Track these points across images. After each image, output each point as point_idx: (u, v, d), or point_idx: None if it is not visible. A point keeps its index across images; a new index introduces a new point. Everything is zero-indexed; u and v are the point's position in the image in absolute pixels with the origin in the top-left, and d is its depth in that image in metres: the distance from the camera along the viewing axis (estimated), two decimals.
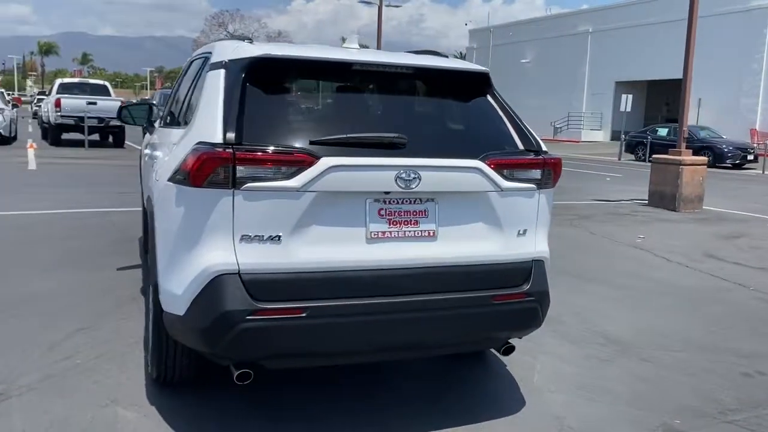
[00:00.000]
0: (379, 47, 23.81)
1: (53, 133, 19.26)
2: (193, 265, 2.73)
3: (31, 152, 16.07)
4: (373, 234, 2.86)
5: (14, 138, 20.46)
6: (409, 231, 2.93)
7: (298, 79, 3.21)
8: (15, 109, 21.75)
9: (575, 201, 12.13)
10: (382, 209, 2.88)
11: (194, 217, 2.74)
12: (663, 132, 26.24)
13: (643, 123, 37.21)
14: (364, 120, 3.11)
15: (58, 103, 18.64)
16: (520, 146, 3.18)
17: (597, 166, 23.68)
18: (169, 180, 2.91)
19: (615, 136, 35.04)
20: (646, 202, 11.99)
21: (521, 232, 3.17)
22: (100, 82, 22.05)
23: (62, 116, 18.60)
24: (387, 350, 3.05)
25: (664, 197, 11.58)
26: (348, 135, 2.83)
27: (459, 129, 3.32)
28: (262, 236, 2.72)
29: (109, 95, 20.20)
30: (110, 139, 19.99)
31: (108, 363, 3.75)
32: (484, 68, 3.36)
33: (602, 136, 41.71)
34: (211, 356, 2.89)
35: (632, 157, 27.29)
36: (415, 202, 2.93)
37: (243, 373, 2.83)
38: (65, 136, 19.60)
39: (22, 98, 43.19)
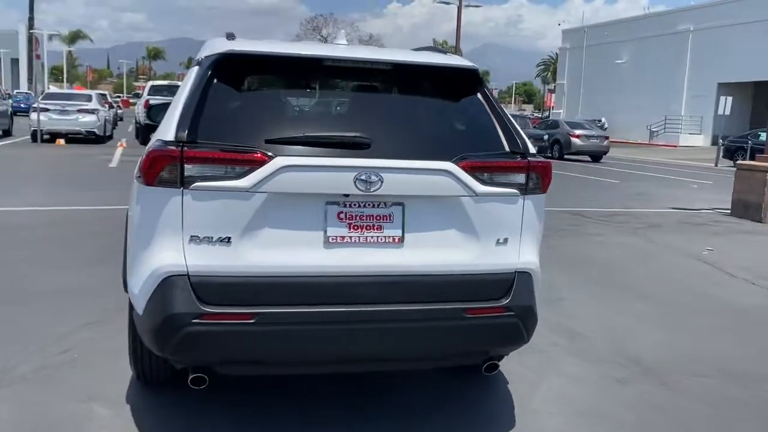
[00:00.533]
0: (457, 48, 23.42)
1: (142, 133, 20.16)
2: (147, 264, 2.69)
3: (119, 151, 16.94)
4: (331, 239, 2.72)
5: (109, 137, 21.69)
6: (372, 236, 2.76)
7: (263, 75, 3.11)
8: (114, 111, 23.03)
9: (649, 209, 11.45)
10: (342, 213, 2.73)
11: (148, 216, 2.70)
12: (764, 137, 24.39)
13: (749, 127, 34.76)
14: (331, 118, 2.97)
15: (146, 104, 19.56)
16: (507, 149, 2.94)
17: (688, 172, 22.35)
18: (135, 178, 2.89)
19: (716, 141, 33.05)
20: (729, 211, 11.13)
21: (501, 240, 2.93)
22: (178, 83, 22.93)
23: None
24: (346, 362, 2.90)
25: (749, 207, 10.71)
26: (306, 134, 2.71)
27: (436, 129, 3.09)
28: (212, 237, 2.63)
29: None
30: None
31: (104, 359, 3.79)
32: (470, 64, 3.13)
33: (702, 140, 39.38)
34: (165, 358, 2.84)
35: (730, 163, 25.54)
36: (378, 205, 2.76)
37: (197, 377, 2.76)
38: None
39: (130, 101, 45.65)
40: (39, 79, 27.51)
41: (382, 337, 2.78)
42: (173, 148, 2.60)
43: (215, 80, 2.82)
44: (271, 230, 2.68)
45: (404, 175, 2.73)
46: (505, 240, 2.93)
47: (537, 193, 2.98)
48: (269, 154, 2.61)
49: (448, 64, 3.12)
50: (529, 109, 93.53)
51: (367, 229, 2.76)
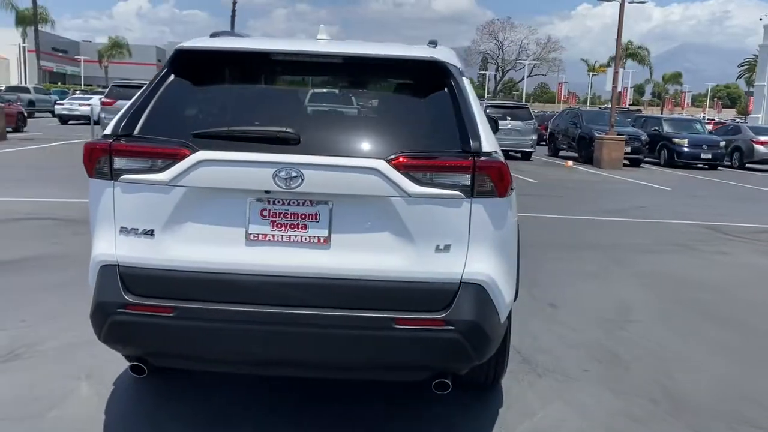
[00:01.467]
0: (617, 50, 21.95)
1: None
2: (92, 253, 2.80)
3: None
4: (253, 236, 2.64)
5: None
6: (296, 236, 2.64)
7: (213, 71, 3.07)
8: None
9: None
10: (265, 210, 2.64)
11: (92, 206, 2.80)
12: None
13: None
14: (270, 113, 2.87)
15: None
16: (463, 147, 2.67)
17: None
18: None
19: None
20: None
21: (442, 247, 2.66)
22: None
23: None
24: (266, 364, 2.80)
25: None
26: (230, 128, 2.66)
27: (381, 124, 2.88)
28: (137, 229, 2.68)
29: None
30: None
31: None
32: (428, 55, 2.87)
33: None
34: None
35: None
36: (303, 204, 2.64)
37: (135, 366, 2.82)
38: None
39: None
40: None
41: (303, 341, 2.64)
42: (104, 141, 2.68)
43: (171, 76, 2.87)
44: (193, 225, 2.66)
45: (329, 173, 2.58)
46: (447, 247, 2.66)
47: (490, 196, 2.67)
48: (193, 148, 2.60)
49: (402, 56, 2.91)
50: (730, 114, 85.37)
51: (291, 228, 2.64)
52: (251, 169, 2.58)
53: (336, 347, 2.66)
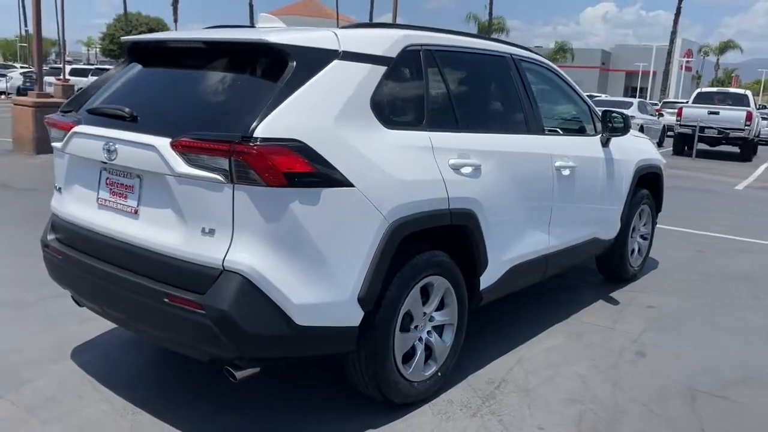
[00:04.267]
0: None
1: (675, 142, 19.33)
2: None
3: None
4: (100, 201, 3.06)
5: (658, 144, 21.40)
6: (121, 204, 2.95)
7: (135, 58, 3.42)
8: (661, 118, 22.60)
9: None
10: (108, 179, 3.02)
11: None
12: None
13: None
14: (137, 94, 3.16)
15: (679, 113, 18.60)
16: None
17: None
18: None
19: None
20: None
21: (207, 230, 2.62)
22: (741, 91, 20.24)
23: (681, 125, 18.47)
24: (106, 314, 3.14)
25: None
26: (95, 106, 3.12)
27: (193, 105, 2.92)
28: (58, 187, 3.36)
29: (746, 105, 18.60)
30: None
31: None
32: (259, 38, 2.78)
33: None
34: None
35: None
36: (126, 176, 2.93)
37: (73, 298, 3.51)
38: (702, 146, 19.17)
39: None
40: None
41: (116, 299, 2.96)
42: (47, 117, 3.42)
43: (124, 63, 3.48)
44: (77, 186, 3.22)
45: (130, 148, 2.82)
46: (212, 231, 2.62)
47: (256, 185, 2.52)
48: (79, 122, 3.14)
49: (236, 39, 2.93)
50: None
51: (120, 197, 2.97)
52: (93, 141, 3.00)
53: (134, 310, 2.91)
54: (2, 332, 3.93)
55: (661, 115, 23.42)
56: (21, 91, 23.11)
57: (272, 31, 3.01)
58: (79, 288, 3.24)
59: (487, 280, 3.61)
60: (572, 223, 4.44)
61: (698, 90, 20.53)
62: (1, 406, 3.09)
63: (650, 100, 41.55)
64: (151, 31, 50.55)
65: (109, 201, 3.01)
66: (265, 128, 2.53)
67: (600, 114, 4.80)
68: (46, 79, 16.14)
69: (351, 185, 2.73)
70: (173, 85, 3.14)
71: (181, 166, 2.62)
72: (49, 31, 72.00)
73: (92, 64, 49.89)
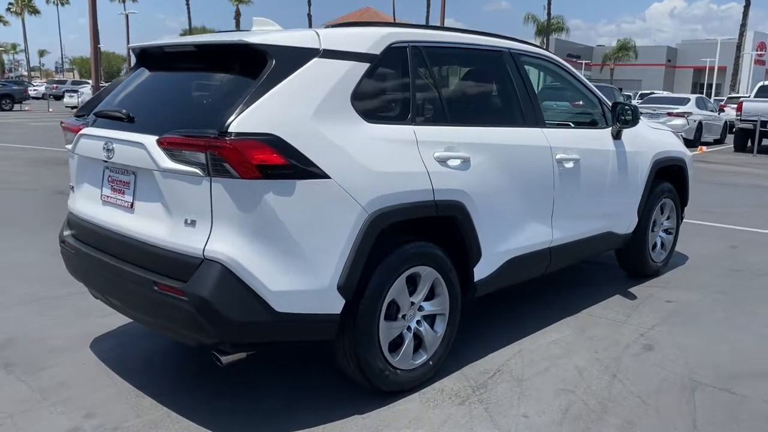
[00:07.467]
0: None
1: (736, 138, 18.62)
2: None
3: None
4: (104, 197, 3.28)
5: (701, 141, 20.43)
6: (119, 199, 3.16)
7: (146, 64, 3.62)
8: (722, 114, 21.78)
9: None
10: (110, 176, 3.24)
11: None
12: None
13: None
14: (137, 98, 3.37)
15: (739, 107, 17.92)
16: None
17: None
18: None
19: None
20: None
21: (189, 222, 2.79)
22: None
23: (741, 120, 17.79)
24: (109, 302, 3.35)
25: None
26: (101, 109, 3.34)
27: (182, 104, 3.12)
28: (72, 186, 3.61)
29: None
30: None
31: None
32: (239, 39, 2.92)
33: None
34: None
35: None
36: (124, 173, 3.13)
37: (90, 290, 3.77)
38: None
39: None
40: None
41: (117, 288, 3.17)
42: (62, 121, 3.68)
43: (133, 69, 3.72)
44: (86, 185, 3.46)
45: (124, 146, 3.03)
46: (193, 222, 2.79)
47: (230, 177, 2.67)
48: (87, 125, 3.38)
49: (220, 41, 3.09)
50: None
51: (119, 193, 3.18)
52: (96, 142, 3.23)
53: (130, 298, 3.11)
54: (32, 324, 4.23)
55: (722, 110, 22.56)
56: None
57: (257, 32, 3.18)
58: (88, 279, 3.48)
59: (481, 271, 3.65)
60: (580, 216, 4.42)
61: (760, 83, 19.67)
62: (19, 388, 3.35)
63: (719, 96, 39.89)
64: None
65: (111, 197, 3.23)
66: (239, 123, 2.68)
67: (610, 106, 4.76)
68: None
69: (327, 177, 2.85)
70: (167, 86, 3.36)
71: (165, 161, 2.81)
72: (121, 47, 75.36)
73: None
